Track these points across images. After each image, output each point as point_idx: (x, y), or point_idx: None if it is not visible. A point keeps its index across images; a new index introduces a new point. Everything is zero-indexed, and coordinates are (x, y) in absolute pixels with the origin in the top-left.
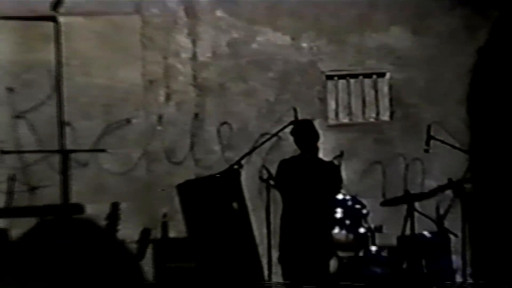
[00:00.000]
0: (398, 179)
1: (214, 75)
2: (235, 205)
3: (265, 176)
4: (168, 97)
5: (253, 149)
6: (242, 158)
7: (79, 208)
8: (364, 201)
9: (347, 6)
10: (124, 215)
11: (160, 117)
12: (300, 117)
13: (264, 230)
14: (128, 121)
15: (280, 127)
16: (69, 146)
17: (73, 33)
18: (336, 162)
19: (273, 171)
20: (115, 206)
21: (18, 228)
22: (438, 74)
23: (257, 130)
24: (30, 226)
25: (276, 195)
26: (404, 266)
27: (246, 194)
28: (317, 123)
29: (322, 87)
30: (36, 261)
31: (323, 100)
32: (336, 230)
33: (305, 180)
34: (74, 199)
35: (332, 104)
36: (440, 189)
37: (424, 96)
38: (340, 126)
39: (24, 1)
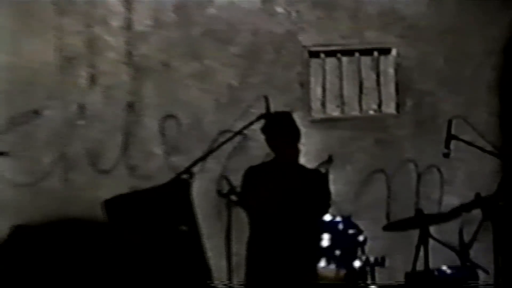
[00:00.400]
0: (407, 193)
1: (156, 51)
2: (183, 228)
3: (226, 189)
4: (92, 81)
5: (209, 152)
6: (193, 164)
7: None
8: (361, 224)
9: None
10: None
11: (81, 108)
12: (273, 108)
13: (224, 263)
14: (37, 113)
15: (247, 122)
16: None
17: None
18: (323, 170)
19: (237, 182)
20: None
21: None
22: (461, 52)
23: (215, 126)
24: None
25: (240, 215)
26: None
27: (199, 214)
28: (297, 117)
29: (303, 67)
30: None
31: (306, 86)
32: (323, 264)
33: (281, 195)
34: None
35: (317, 91)
36: (464, 208)
37: (443, 80)
38: (328, 121)
39: None
